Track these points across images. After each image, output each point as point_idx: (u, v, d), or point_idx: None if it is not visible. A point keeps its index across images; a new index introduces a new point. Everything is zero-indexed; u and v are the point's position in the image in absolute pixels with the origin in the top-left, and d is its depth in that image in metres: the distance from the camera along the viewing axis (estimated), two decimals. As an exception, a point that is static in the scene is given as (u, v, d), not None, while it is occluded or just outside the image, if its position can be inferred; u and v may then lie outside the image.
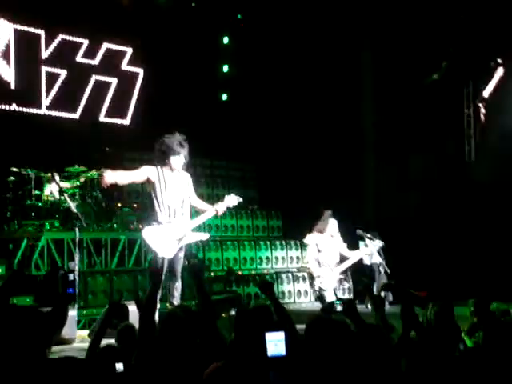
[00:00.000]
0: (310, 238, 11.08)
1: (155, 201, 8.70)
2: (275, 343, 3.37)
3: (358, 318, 4.84)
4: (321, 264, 10.85)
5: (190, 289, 10.93)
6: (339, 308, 5.05)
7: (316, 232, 11.07)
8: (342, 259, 11.08)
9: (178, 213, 8.71)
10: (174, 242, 8.63)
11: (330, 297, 10.64)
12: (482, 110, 16.29)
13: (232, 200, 9.12)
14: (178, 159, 8.84)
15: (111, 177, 8.79)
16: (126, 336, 5.03)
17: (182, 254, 8.76)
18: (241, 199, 9.21)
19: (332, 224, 11.08)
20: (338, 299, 5.20)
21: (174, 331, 4.32)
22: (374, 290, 11.84)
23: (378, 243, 11.45)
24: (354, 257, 11.13)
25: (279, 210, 16.68)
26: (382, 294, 9.19)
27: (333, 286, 10.85)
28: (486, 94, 16.24)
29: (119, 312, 4.94)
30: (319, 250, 10.96)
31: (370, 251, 11.54)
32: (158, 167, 8.82)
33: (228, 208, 9.23)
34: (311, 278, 11.07)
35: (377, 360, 4.17)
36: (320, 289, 10.78)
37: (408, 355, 4.47)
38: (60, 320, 4.78)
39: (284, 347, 3.35)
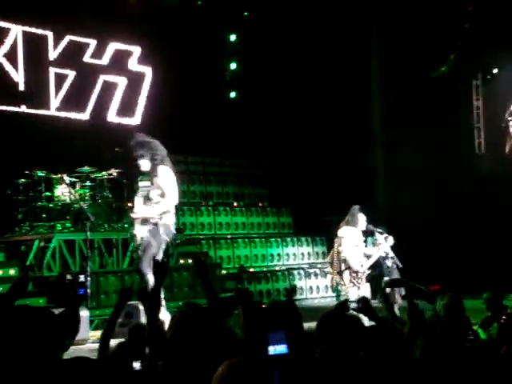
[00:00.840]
0: (346, 231, 10.93)
1: None
2: (277, 342, 3.38)
3: (374, 314, 4.84)
4: None
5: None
6: (353, 305, 5.04)
7: (350, 226, 10.97)
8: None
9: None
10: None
11: (365, 291, 10.64)
12: (511, 123, 16.37)
13: None
14: (141, 162, 8.92)
15: None
16: (137, 335, 5.04)
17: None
18: None
19: (361, 219, 11.04)
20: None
21: (185, 330, 4.32)
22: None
23: (391, 240, 11.41)
24: (379, 252, 11.12)
25: (289, 206, 16.68)
26: (388, 290, 9.14)
27: (364, 281, 10.85)
28: None
29: (130, 297, 4.93)
30: (356, 245, 10.89)
31: (380, 245, 11.49)
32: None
33: None
34: (343, 271, 10.94)
35: (390, 354, 4.18)
36: (344, 285, 10.75)
37: (422, 346, 4.49)
38: (74, 324, 4.77)
39: (285, 346, 3.36)
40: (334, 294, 12.83)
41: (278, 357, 3.30)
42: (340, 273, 11.01)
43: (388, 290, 9.64)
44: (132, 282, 10.54)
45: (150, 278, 8.57)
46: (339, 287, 11.40)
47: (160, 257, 8.80)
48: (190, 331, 4.27)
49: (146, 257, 8.75)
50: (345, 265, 10.89)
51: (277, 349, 3.32)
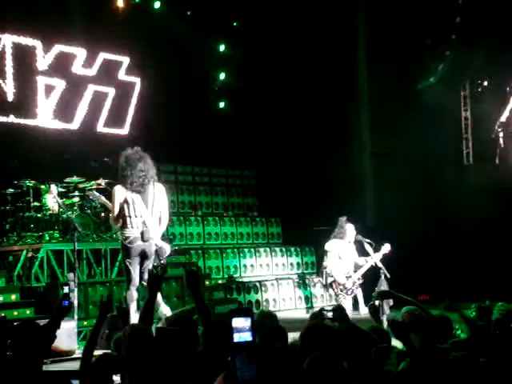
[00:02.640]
0: (332, 245, 11.17)
1: None
2: (241, 329, 3.38)
3: (349, 323, 4.87)
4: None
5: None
6: (329, 314, 5.06)
7: (336, 239, 11.14)
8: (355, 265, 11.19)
9: None
10: None
11: (348, 304, 10.77)
12: (501, 134, 16.47)
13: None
14: None
15: None
16: (121, 347, 5.02)
17: None
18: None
19: (350, 230, 11.17)
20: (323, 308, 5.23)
21: (138, 345, 4.36)
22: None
23: (387, 247, 11.46)
24: (369, 262, 11.20)
25: (279, 216, 16.69)
26: (377, 302, 9.18)
27: (355, 292, 10.96)
28: (503, 118, 16.43)
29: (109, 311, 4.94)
30: (340, 257, 11.06)
31: (369, 256, 11.56)
32: None
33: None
34: (330, 284, 11.09)
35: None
36: (338, 295, 10.85)
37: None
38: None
39: (250, 333, 3.35)
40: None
41: (243, 344, 3.29)
42: (326, 286, 11.12)
43: (377, 302, 9.68)
44: (109, 294, 10.59)
45: None
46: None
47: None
48: (142, 345, 4.30)
49: None
50: (330, 278, 11.02)
51: (241, 336, 3.31)
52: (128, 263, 9.04)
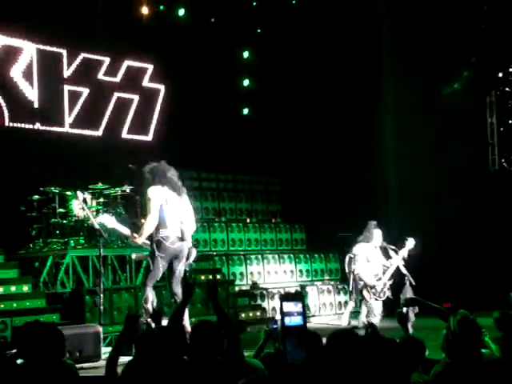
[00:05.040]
0: (359, 249, 11.16)
1: None
2: (292, 313, 3.45)
3: (382, 339, 4.85)
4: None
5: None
6: (361, 332, 5.05)
7: (363, 243, 11.16)
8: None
9: None
10: None
11: (379, 307, 10.79)
12: None
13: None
14: None
15: None
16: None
17: None
18: None
19: (377, 235, 11.17)
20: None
21: (147, 349, 4.43)
22: None
23: (411, 243, 11.37)
24: (394, 263, 11.18)
25: (302, 222, 16.67)
26: (405, 309, 9.15)
27: (387, 294, 10.96)
28: None
29: (136, 325, 4.95)
30: (368, 261, 11.07)
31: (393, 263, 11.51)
32: None
33: None
34: (361, 289, 11.06)
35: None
36: (372, 298, 10.84)
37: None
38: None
39: (301, 317, 3.42)
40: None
41: (293, 328, 3.34)
42: (360, 291, 11.11)
43: (404, 309, 9.63)
44: (137, 309, 10.57)
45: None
46: (363, 304, 11.48)
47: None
48: (152, 350, 4.36)
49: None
50: (362, 282, 11.02)
51: (292, 320, 3.37)
52: (161, 265, 8.79)
